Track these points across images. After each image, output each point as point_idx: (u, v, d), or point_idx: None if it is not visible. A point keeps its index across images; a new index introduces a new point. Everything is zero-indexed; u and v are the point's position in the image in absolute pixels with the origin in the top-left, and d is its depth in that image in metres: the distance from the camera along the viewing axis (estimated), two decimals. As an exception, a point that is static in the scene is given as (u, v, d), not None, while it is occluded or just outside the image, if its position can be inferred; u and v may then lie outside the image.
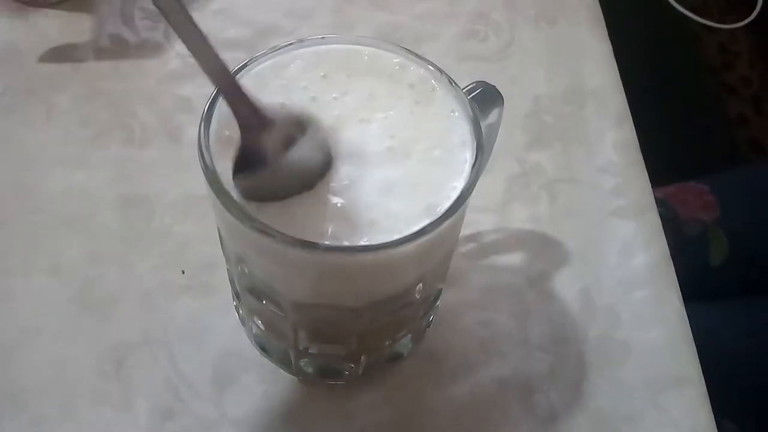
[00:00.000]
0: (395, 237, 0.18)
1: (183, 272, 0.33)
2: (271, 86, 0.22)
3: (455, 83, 0.23)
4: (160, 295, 0.32)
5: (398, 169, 0.20)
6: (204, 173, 0.18)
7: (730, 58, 0.99)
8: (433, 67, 0.23)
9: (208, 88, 0.40)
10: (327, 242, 0.17)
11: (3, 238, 0.34)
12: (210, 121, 0.19)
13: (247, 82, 0.21)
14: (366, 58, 0.22)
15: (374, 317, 0.21)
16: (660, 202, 0.38)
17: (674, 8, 1.01)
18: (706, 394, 0.31)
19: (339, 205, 0.19)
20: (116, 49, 0.41)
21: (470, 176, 0.20)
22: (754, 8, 1.03)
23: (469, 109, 0.21)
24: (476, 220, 0.36)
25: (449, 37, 0.44)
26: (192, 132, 0.38)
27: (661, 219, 0.37)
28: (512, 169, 0.38)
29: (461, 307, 0.33)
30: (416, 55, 0.24)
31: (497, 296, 0.34)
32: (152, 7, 0.43)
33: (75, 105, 0.39)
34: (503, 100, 0.26)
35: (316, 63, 0.22)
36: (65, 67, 0.40)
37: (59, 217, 0.34)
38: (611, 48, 0.45)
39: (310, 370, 0.26)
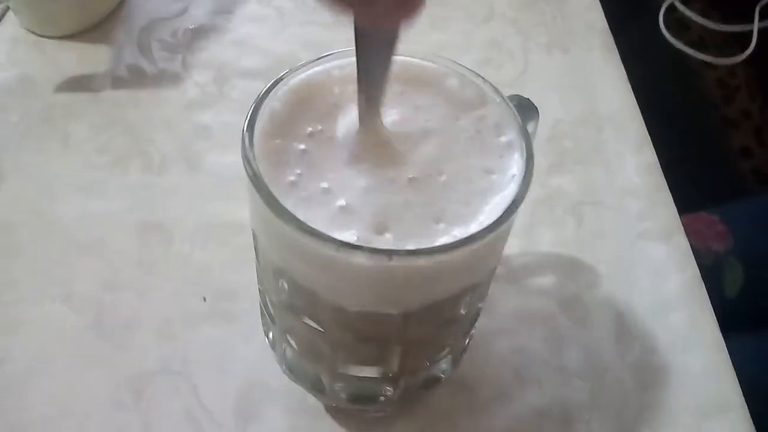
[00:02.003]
0: (447, 241, 0.17)
1: (204, 299, 0.32)
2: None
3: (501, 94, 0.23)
4: (179, 323, 0.31)
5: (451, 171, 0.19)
6: (251, 180, 0.18)
7: (729, 92, 1.01)
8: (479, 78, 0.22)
9: (228, 116, 0.40)
10: (377, 246, 0.17)
11: (15, 267, 0.32)
12: (254, 126, 0.19)
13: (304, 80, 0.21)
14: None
15: (419, 329, 0.20)
16: None
17: (672, 44, 1.03)
18: (751, 420, 0.30)
19: (389, 203, 0.18)
20: (134, 78, 0.41)
21: (523, 182, 0.19)
22: (750, 44, 1.05)
23: (517, 116, 0.21)
24: (503, 244, 0.35)
25: (466, 65, 0.44)
26: (211, 159, 0.38)
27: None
28: (535, 193, 0.38)
29: (493, 333, 0.32)
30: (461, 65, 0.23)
31: (529, 322, 0.33)
32: (170, 38, 0.44)
33: (92, 133, 0.38)
34: (539, 113, 0.25)
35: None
36: (82, 96, 0.40)
37: (74, 243, 0.33)
38: (625, 74, 0.45)
39: (343, 395, 0.24)
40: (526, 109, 0.24)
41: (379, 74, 0.19)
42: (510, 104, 0.22)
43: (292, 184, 0.18)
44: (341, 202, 0.18)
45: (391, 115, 0.20)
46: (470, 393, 0.30)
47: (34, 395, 0.29)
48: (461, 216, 0.18)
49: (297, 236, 0.16)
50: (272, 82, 0.20)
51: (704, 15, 1.17)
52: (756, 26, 1.13)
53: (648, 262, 0.35)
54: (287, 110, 0.20)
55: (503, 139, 0.21)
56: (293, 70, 0.20)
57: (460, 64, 0.23)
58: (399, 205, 0.18)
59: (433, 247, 0.17)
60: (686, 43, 1.10)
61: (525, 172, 0.20)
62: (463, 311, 0.21)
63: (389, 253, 0.16)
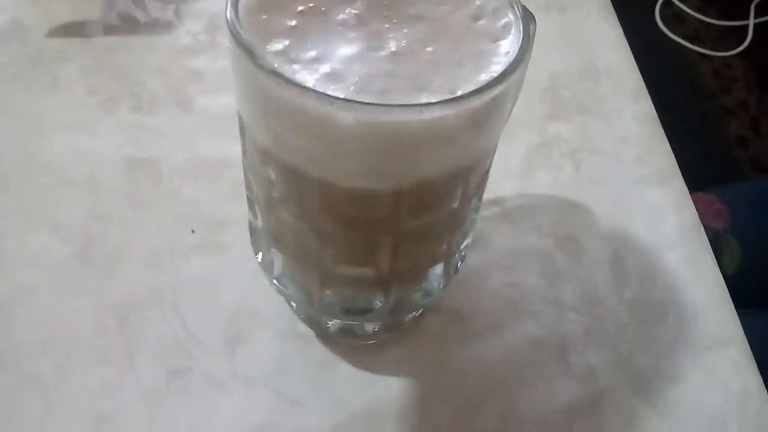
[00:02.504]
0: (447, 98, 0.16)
1: (193, 231, 0.31)
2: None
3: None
4: (168, 254, 0.30)
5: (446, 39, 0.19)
6: (236, 45, 0.17)
7: (726, 82, 1.01)
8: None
9: (221, 62, 0.40)
10: (374, 101, 0.16)
11: (0, 199, 0.32)
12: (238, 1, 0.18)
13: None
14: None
15: (410, 219, 0.19)
16: None
17: (668, 37, 1.03)
18: (752, 354, 0.29)
19: (375, 71, 0.17)
20: (126, 26, 0.41)
21: (517, 55, 0.19)
22: (746, 37, 1.05)
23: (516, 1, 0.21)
24: (498, 186, 0.35)
25: None
26: (202, 101, 0.38)
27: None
28: (533, 139, 0.37)
29: (487, 268, 0.31)
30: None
31: (524, 258, 0.32)
32: (163, -10, 0.44)
33: (82, 75, 0.38)
34: (535, 20, 0.25)
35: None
36: (73, 41, 0.40)
37: (61, 178, 0.33)
38: (622, 32, 0.45)
39: (336, 308, 0.23)
40: (523, 16, 0.24)
41: None
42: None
43: (278, 52, 0.18)
44: (326, 69, 0.17)
45: (382, 8, 0.20)
46: (464, 323, 0.29)
47: (18, 321, 0.28)
48: (448, 88, 0.17)
49: (282, 93, 0.16)
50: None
51: (699, 10, 1.18)
52: (752, 21, 1.14)
53: (645, 205, 0.35)
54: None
55: (500, 23, 0.21)
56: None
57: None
58: (385, 73, 0.17)
59: (420, 104, 0.16)
60: (682, 37, 1.10)
61: (520, 47, 0.19)
62: (455, 205, 0.20)
63: (377, 106, 0.16)
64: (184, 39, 0.40)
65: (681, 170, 0.37)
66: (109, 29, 0.40)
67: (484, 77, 0.18)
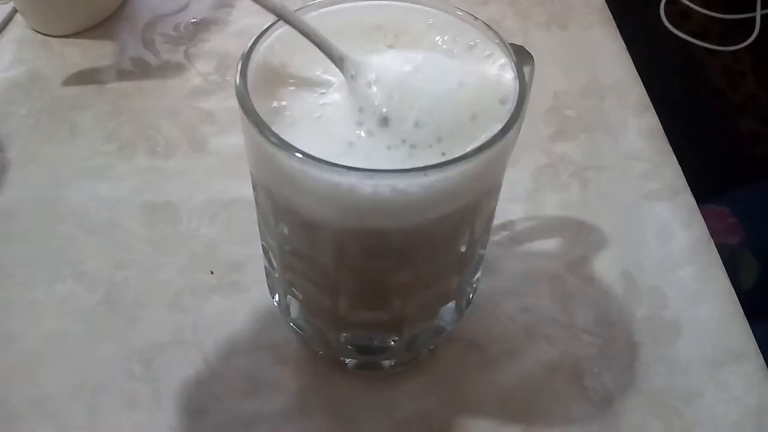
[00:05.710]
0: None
1: (212, 273, 0.32)
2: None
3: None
4: (189, 296, 0.31)
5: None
6: (243, 109, 0.18)
7: (735, 77, 1.01)
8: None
9: (231, 102, 0.41)
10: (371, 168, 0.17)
11: (26, 249, 0.33)
12: (247, 67, 0.19)
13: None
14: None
15: (420, 261, 0.20)
16: None
17: (674, 34, 1.03)
18: (766, 367, 0.30)
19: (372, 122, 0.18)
20: (138, 70, 0.42)
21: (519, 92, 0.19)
22: (753, 30, 1.05)
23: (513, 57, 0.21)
24: (506, 210, 0.35)
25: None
26: (215, 141, 0.39)
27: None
28: (539, 160, 0.38)
29: (499, 294, 0.32)
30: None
31: (536, 282, 0.32)
32: (173, 32, 0.45)
33: (99, 122, 0.39)
34: (533, 59, 0.26)
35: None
36: (88, 88, 0.41)
37: (84, 225, 0.34)
38: (624, 46, 0.46)
39: (351, 347, 0.24)
40: (521, 55, 0.24)
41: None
42: (508, 47, 0.22)
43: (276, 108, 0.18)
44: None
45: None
46: (479, 350, 0.30)
47: (49, 369, 0.29)
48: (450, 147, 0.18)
49: (289, 162, 0.17)
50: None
51: (704, 5, 1.17)
52: (758, 13, 1.13)
53: (654, 221, 0.35)
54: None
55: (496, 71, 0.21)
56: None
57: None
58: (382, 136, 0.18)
59: (421, 168, 0.17)
60: (688, 33, 1.10)
61: (517, 101, 0.20)
62: (462, 248, 0.21)
63: (377, 172, 0.16)
64: (195, 80, 0.42)
65: (693, 172, 0.37)
66: (122, 74, 0.42)
67: (485, 136, 0.19)
